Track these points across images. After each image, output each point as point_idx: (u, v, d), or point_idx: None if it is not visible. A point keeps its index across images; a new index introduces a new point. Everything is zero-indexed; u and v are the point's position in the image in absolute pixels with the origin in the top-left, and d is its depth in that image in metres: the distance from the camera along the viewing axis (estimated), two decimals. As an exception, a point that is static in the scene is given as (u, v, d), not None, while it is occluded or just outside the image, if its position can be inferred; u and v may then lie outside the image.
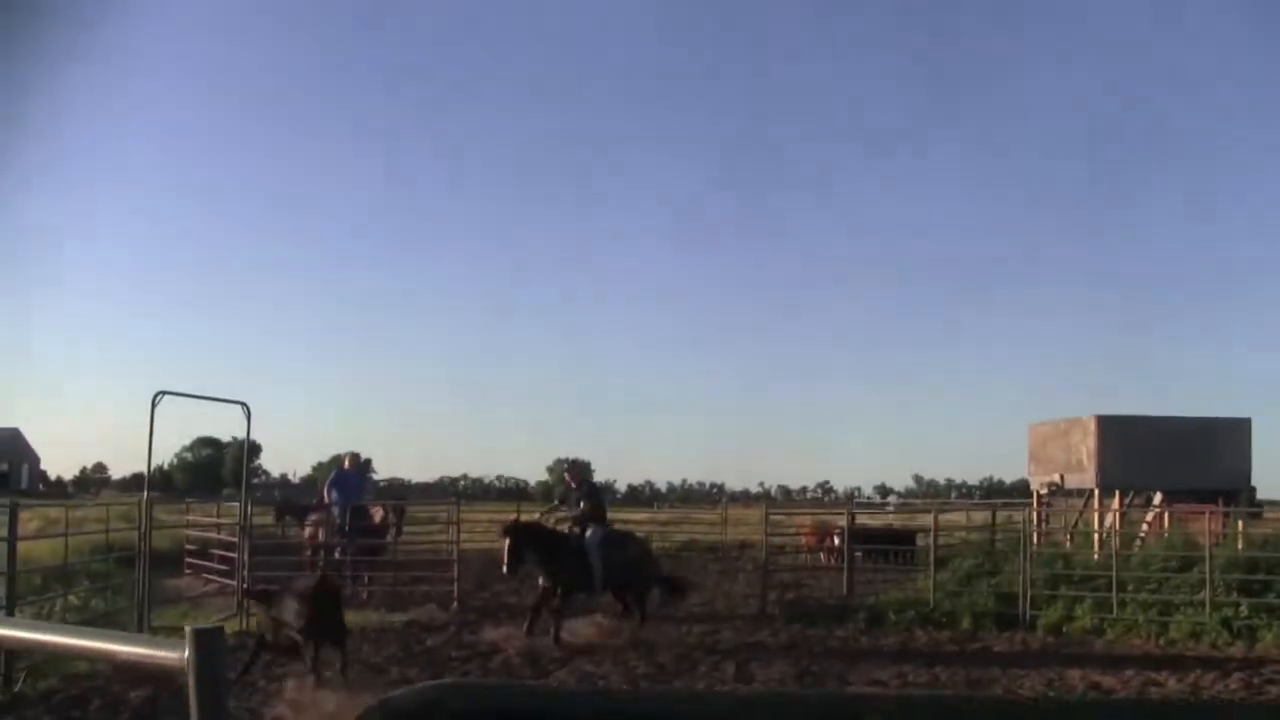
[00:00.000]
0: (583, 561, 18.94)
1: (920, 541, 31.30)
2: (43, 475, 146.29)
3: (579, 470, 21.10)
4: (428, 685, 2.47)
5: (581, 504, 19.70)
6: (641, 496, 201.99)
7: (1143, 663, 16.79)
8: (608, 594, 19.87)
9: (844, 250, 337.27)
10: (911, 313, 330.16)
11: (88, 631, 3.81)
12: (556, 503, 21.64)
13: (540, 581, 19.33)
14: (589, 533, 19.23)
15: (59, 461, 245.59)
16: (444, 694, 2.45)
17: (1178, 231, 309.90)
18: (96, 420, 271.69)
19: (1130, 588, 21.08)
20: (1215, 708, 2.41)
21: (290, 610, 14.51)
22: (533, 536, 19.33)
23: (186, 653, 2.81)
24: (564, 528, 19.89)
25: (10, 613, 13.28)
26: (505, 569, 19.20)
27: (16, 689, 13.64)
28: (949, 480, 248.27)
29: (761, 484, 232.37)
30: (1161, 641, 18.99)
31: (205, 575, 23.79)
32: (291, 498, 42.25)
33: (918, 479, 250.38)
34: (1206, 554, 20.34)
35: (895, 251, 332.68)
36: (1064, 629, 20.21)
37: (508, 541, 18.89)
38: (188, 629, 2.82)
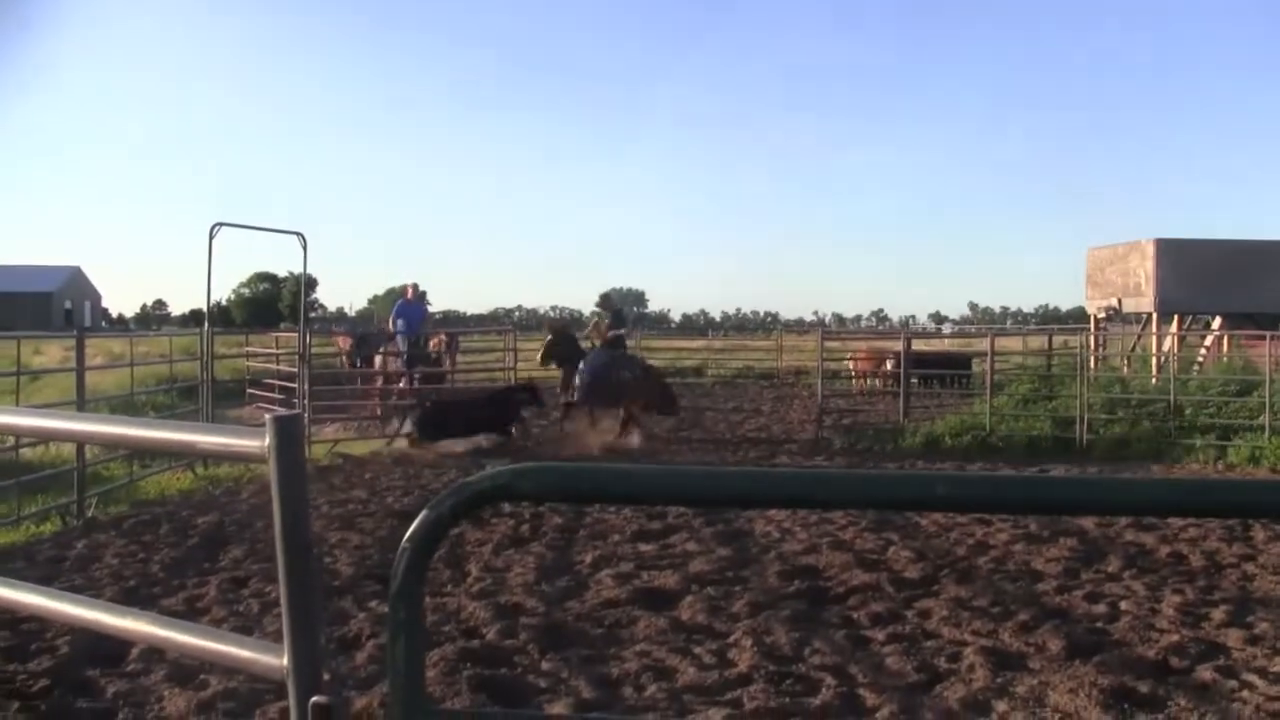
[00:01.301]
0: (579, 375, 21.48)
1: (976, 367, 31.23)
2: (104, 312, 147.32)
3: (608, 301, 22.57)
4: (502, 469, 2.48)
5: (609, 330, 22.34)
6: (695, 325, 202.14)
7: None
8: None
9: (899, 73, 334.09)
10: (966, 136, 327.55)
11: (172, 425, 3.88)
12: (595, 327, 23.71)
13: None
14: (592, 354, 21.70)
15: (120, 299, 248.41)
16: (516, 477, 2.48)
17: (1244, 55, 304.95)
18: (155, 258, 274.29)
19: (1188, 412, 21.00)
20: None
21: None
22: (565, 342, 22.66)
23: (268, 440, 2.89)
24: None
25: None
26: (539, 358, 23.31)
27: (89, 514, 13.82)
28: (1004, 308, 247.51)
29: (816, 313, 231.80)
30: (1220, 465, 18.94)
31: (264, 405, 24.00)
32: (352, 330, 42.33)
33: (973, 306, 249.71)
34: (1266, 378, 20.19)
35: (949, 77, 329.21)
36: (1121, 454, 20.15)
37: (550, 337, 22.99)
38: (268, 417, 2.91)
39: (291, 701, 2.91)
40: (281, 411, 9.32)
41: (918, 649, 8.38)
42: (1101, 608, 9.59)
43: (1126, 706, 7.17)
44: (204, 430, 3.68)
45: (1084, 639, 8.53)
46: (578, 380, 21.31)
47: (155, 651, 7.93)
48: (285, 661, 2.93)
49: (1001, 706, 7.16)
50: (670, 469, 2.80)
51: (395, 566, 2.53)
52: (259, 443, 2.97)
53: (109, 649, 7.99)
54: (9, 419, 4.72)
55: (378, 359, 25.55)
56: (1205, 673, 7.80)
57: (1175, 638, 8.61)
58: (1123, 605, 9.64)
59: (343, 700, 2.85)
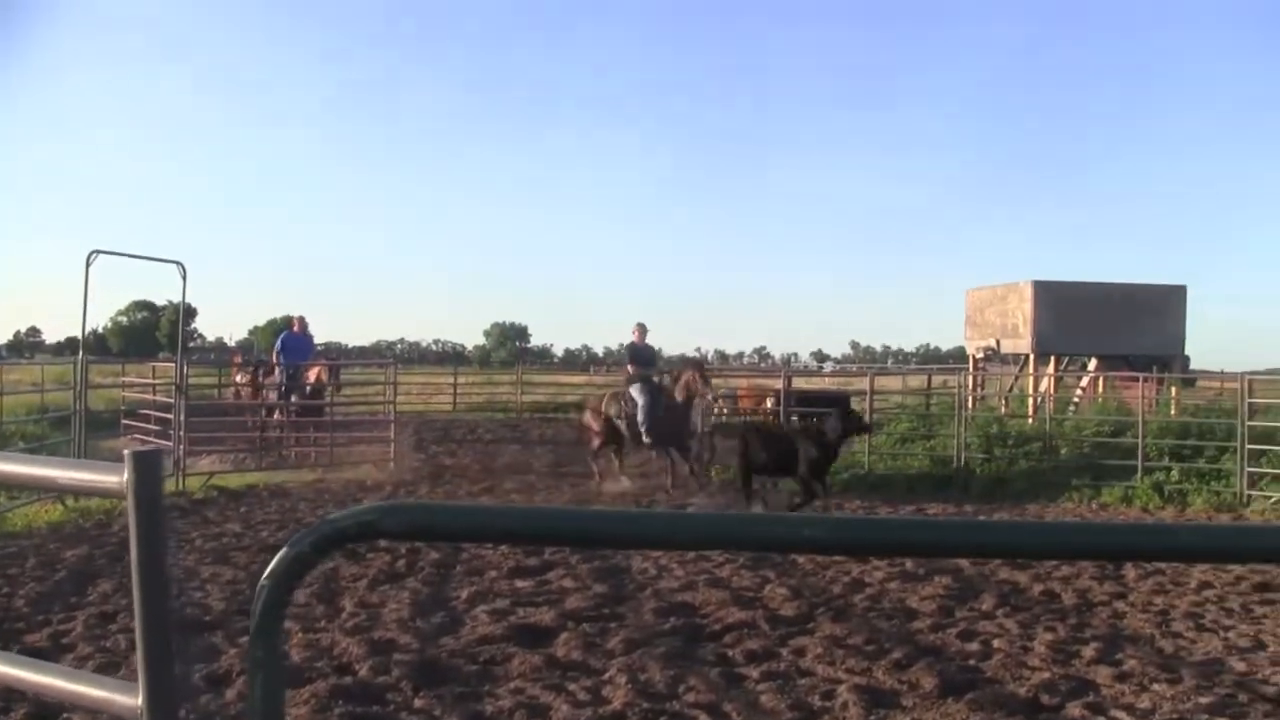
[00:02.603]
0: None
1: (856, 406, 31.53)
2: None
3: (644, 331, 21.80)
4: (366, 507, 2.51)
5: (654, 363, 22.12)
6: (578, 360, 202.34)
7: (1074, 525, 16.96)
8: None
9: (792, 121, 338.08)
10: (846, 175, 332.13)
11: (30, 459, 3.79)
12: (631, 364, 22.30)
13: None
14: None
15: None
16: (381, 514, 2.50)
17: (1115, 98, 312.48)
18: (29, 284, 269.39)
19: (1064, 452, 21.37)
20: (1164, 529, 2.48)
21: None
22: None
23: (126, 475, 2.83)
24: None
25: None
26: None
27: (-48, 546, 13.45)
28: (885, 347, 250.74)
29: (698, 349, 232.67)
30: (1094, 505, 19.26)
31: (140, 436, 23.66)
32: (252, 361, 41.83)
33: (854, 345, 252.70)
34: (1139, 420, 20.59)
35: (838, 123, 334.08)
36: (998, 492, 20.44)
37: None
38: (126, 452, 2.87)
39: None
40: (140, 445, 9.25)
41: (792, 687, 8.41)
42: (975, 645, 9.71)
43: (996, 744, 7.26)
44: (61, 465, 3.60)
45: (957, 677, 8.61)
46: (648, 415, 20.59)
47: (14, 690, 7.77)
48: (140, 701, 2.87)
49: (874, 744, 7.21)
50: (536, 509, 2.82)
51: (254, 604, 2.52)
52: (117, 478, 2.90)
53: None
54: None
55: (266, 393, 25.36)
56: (1075, 709, 7.92)
57: (1046, 675, 8.73)
58: (996, 643, 9.77)
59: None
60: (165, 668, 2.84)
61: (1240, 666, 9.09)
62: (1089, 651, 9.47)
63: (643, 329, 21.76)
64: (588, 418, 22.09)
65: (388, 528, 2.59)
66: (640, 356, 21.76)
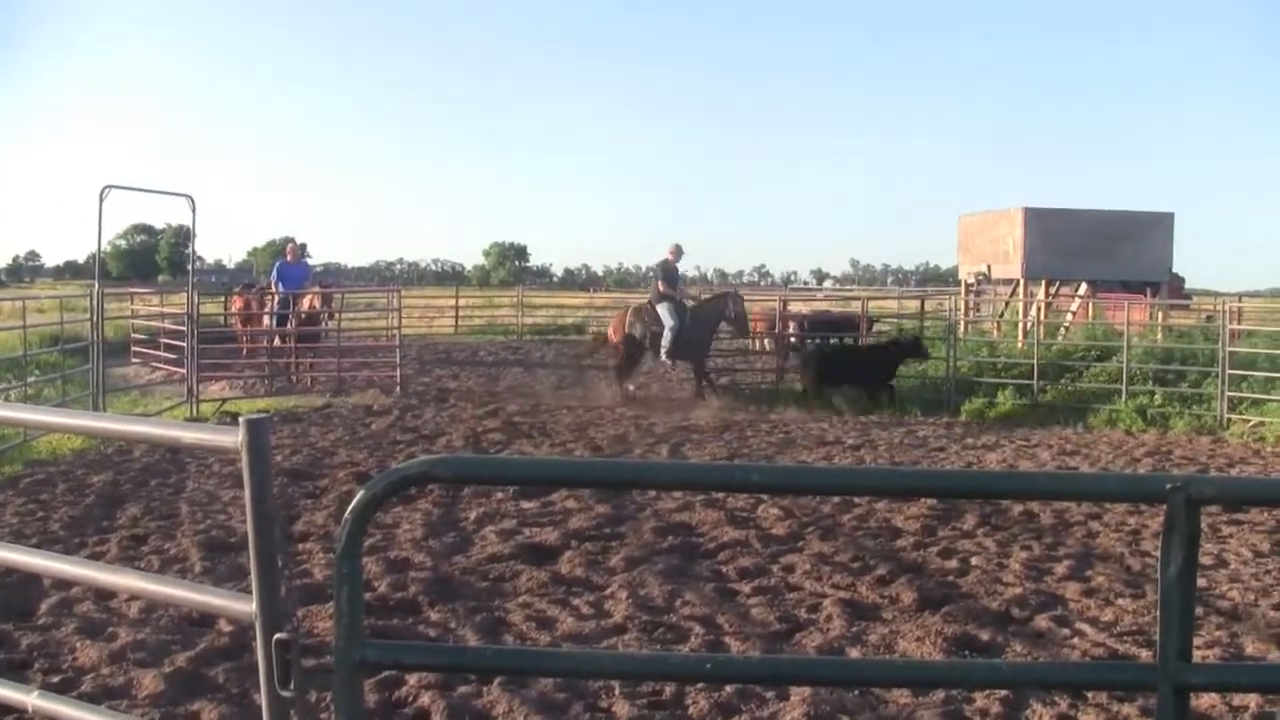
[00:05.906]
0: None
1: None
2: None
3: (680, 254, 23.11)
4: (423, 459, 3.21)
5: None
6: (577, 279, 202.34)
7: (1059, 448, 17.45)
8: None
9: (787, 37, 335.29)
10: (850, 97, 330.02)
11: (157, 422, 4.61)
12: (661, 282, 23.09)
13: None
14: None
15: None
16: (435, 465, 3.27)
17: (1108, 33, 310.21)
18: (26, 209, 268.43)
19: (1051, 375, 21.87)
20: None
21: None
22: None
23: (241, 436, 3.66)
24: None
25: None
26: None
27: (-15, 474, 13.83)
28: (885, 265, 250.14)
29: (698, 268, 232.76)
30: (1079, 428, 19.70)
31: (153, 364, 24.09)
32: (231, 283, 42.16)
33: (854, 264, 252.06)
34: (1124, 344, 21.08)
35: (836, 41, 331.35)
36: (986, 414, 20.99)
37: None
38: (241, 419, 3.69)
39: (259, 638, 3.63)
40: (152, 374, 10.10)
41: (781, 601, 9.02)
42: (954, 563, 10.29)
43: (967, 653, 7.87)
44: (186, 428, 4.56)
45: (935, 592, 9.23)
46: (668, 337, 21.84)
47: (64, 605, 8.37)
48: (254, 607, 3.67)
49: (854, 653, 7.81)
50: (547, 460, 3.50)
51: (339, 533, 3.22)
52: (234, 438, 3.71)
53: (18, 603, 8.40)
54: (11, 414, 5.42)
55: (266, 319, 25.68)
56: (1042, 621, 8.55)
57: (1018, 590, 9.36)
58: (974, 560, 10.36)
59: (299, 636, 3.54)
60: (273, 581, 3.63)
61: (1200, 582, 9.65)
62: (1060, 569, 10.08)
63: (678, 250, 23.00)
64: (611, 333, 22.84)
65: (439, 474, 3.36)
66: (671, 276, 22.78)
